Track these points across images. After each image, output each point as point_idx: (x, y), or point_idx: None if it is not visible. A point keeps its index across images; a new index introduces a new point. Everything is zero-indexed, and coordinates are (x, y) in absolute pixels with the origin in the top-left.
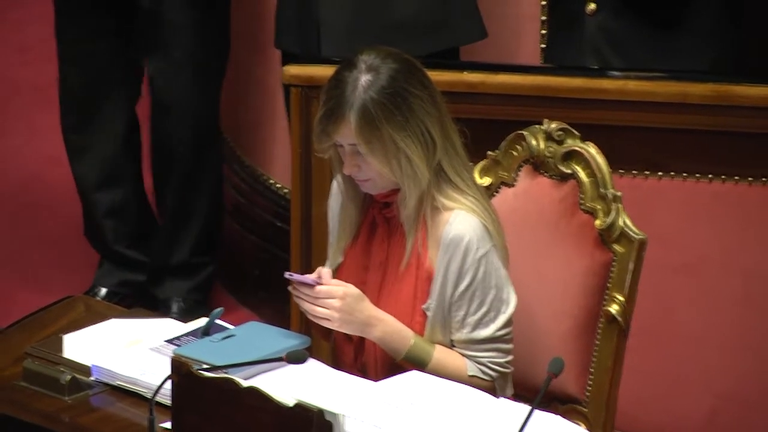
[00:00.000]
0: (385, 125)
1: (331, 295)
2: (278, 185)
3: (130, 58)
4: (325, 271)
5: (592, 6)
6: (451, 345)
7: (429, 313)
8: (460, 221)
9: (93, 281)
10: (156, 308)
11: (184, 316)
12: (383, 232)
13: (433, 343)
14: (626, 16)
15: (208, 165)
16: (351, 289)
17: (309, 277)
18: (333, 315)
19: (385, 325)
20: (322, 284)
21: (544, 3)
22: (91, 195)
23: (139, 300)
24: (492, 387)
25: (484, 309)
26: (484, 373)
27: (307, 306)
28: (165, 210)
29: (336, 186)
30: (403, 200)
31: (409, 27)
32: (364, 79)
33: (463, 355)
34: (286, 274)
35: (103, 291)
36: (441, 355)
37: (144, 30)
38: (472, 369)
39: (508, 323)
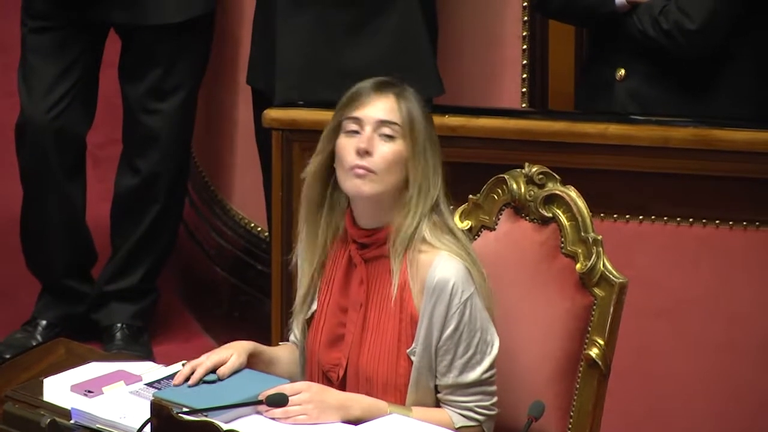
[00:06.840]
0: (426, 129)
1: (295, 391)
2: (259, 229)
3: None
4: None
5: (622, 72)
6: (436, 390)
7: (414, 358)
8: (444, 265)
9: (33, 314)
10: (98, 337)
11: (128, 344)
12: (361, 273)
13: (408, 407)
14: (657, 81)
15: (180, 194)
16: (311, 382)
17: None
18: (307, 408)
19: (361, 403)
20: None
21: (525, 47)
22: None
23: (78, 331)
24: (480, 431)
25: (470, 352)
26: (471, 418)
27: (279, 413)
28: (126, 236)
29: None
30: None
31: (360, 77)
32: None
33: (449, 401)
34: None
35: (43, 323)
36: (420, 415)
37: (131, 60)
38: (458, 420)
39: (493, 365)
